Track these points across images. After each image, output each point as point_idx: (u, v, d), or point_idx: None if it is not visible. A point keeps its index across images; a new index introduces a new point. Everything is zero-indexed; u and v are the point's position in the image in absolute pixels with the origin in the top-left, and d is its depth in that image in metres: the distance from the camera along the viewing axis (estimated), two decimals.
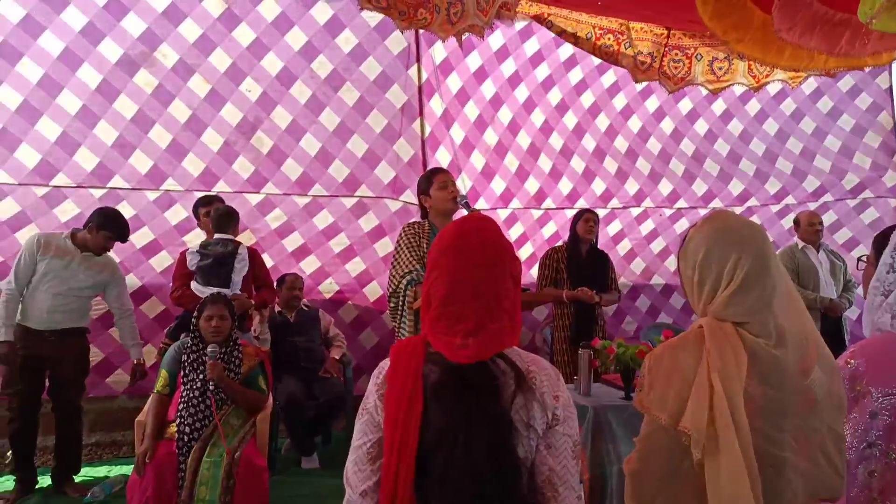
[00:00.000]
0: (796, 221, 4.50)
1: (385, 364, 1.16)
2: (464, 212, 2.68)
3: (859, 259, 1.62)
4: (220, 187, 4.36)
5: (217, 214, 3.60)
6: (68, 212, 4.03)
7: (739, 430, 1.07)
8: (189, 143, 4.30)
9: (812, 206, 5.37)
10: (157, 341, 3.95)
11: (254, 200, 4.46)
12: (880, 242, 1.52)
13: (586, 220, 4.04)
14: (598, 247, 4.26)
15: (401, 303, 2.52)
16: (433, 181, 2.73)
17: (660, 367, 1.19)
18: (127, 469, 3.62)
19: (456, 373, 1.05)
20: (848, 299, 4.34)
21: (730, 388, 1.08)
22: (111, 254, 3.47)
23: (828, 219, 5.39)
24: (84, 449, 3.67)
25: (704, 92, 5.17)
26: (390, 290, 2.60)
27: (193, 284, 3.48)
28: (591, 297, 3.84)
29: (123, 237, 3.36)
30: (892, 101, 5.41)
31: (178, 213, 4.26)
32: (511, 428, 1.03)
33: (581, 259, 3.99)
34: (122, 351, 3.96)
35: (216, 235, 3.55)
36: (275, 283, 3.95)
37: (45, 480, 3.35)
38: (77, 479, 3.39)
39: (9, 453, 3.30)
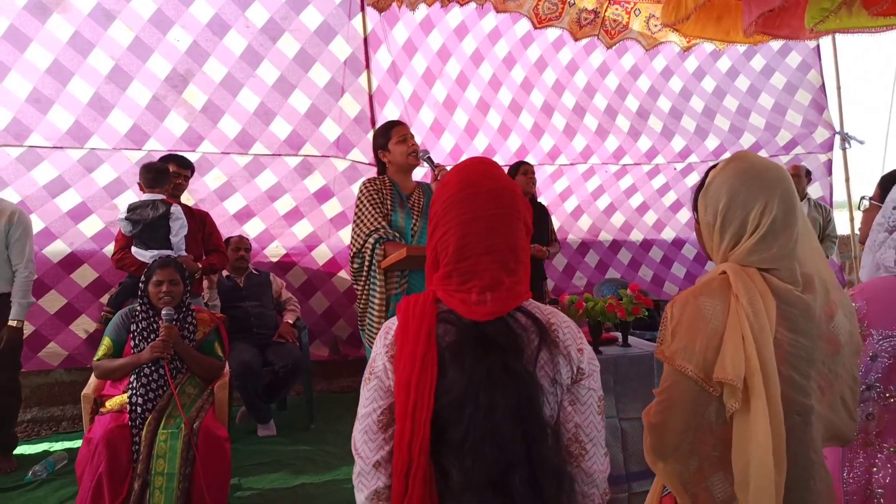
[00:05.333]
0: None
1: (392, 324, 1.07)
2: (425, 166, 2.54)
3: (862, 198, 1.58)
4: (152, 145, 4.05)
5: (152, 172, 3.29)
6: None
7: (770, 379, 1.03)
8: (113, 97, 3.97)
9: None
10: (91, 312, 3.68)
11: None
12: (887, 181, 1.49)
13: (525, 173, 3.96)
14: (540, 201, 4.29)
15: (366, 263, 2.36)
16: (391, 135, 2.55)
17: (683, 315, 1.12)
18: (68, 444, 3.40)
19: (473, 331, 0.98)
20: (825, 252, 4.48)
21: (761, 335, 1.05)
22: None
23: None
24: (20, 426, 3.40)
25: (642, 52, 5.33)
26: (353, 250, 2.43)
27: (134, 248, 3.21)
28: (543, 252, 3.93)
29: None
30: (820, 59, 5.63)
31: (107, 173, 3.93)
32: (537, 387, 0.97)
33: None
34: (55, 323, 3.68)
35: (144, 195, 3.25)
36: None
37: None
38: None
39: None
